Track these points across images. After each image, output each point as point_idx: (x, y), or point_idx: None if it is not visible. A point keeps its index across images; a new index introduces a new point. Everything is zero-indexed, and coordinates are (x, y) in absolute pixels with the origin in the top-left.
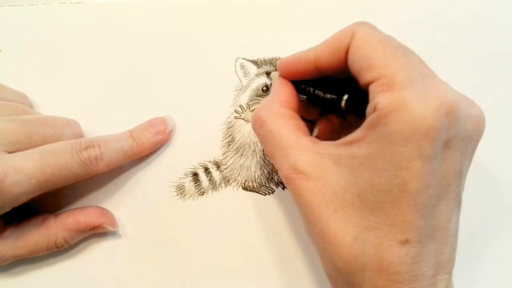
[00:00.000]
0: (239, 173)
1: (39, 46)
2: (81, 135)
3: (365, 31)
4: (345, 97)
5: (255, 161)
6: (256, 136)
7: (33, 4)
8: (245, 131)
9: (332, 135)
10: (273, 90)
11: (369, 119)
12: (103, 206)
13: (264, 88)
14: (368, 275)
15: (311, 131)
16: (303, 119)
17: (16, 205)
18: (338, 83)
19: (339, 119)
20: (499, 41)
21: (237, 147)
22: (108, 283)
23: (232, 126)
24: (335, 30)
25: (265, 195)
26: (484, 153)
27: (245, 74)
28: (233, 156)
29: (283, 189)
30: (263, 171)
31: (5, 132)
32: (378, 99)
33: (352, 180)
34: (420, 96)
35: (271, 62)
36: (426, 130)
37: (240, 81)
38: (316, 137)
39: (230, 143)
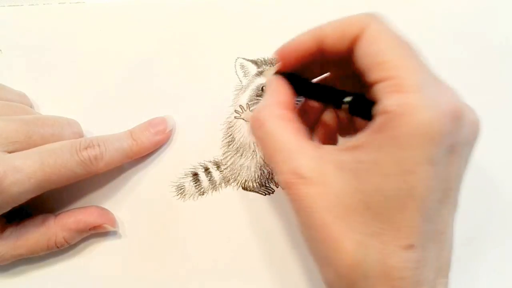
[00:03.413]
0: (239, 173)
1: (39, 46)
2: (81, 135)
3: (379, 25)
4: (348, 99)
5: (255, 161)
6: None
7: (33, 4)
8: (245, 131)
9: (328, 140)
10: (270, 90)
11: (376, 123)
12: (103, 206)
13: (264, 88)
14: (371, 281)
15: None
16: None
17: (16, 204)
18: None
19: (336, 123)
20: (496, 42)
21: (237, 147)
22: (108, 283)
23: (232, 126)
24: None
25: (265, 195)
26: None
27: (245, 74)
28: (233, 156)
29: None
30: (263, 171)
31: (5, 132)
32: (387, 101)
33: (357, 185)
34: (430, 100)
35: (271, 62)
36: (434, 134)
37: (240, 81)
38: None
39: (230, 143)
